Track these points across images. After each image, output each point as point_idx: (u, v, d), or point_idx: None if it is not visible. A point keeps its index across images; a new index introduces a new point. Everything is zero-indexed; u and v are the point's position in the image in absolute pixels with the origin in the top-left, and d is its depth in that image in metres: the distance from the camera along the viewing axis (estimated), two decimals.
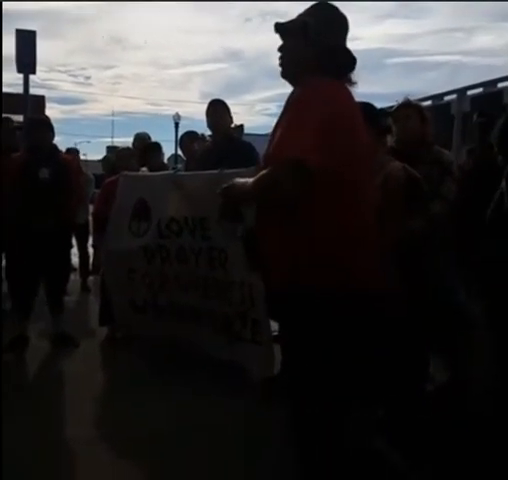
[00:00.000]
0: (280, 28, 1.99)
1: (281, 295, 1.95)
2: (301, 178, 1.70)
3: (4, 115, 5.52)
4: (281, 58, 2.00)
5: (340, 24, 1.98)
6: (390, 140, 3.03)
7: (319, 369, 1.88)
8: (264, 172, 1.78)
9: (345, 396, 1.99)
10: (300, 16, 1.98)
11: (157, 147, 5.34)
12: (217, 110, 4.31)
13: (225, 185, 2.00)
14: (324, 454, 1.95)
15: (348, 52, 1.94)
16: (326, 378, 1.89)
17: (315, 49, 1.90)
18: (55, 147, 4.55)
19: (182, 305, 4.06)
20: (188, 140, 5.01)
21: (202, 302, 3.92)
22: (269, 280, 2.03)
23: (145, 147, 5.27)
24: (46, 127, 4.44)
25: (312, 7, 1.98)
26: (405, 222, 2.60)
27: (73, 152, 7.47)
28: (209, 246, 3.83)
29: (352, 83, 1.92)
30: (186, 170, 4.56)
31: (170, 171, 4.48)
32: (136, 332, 4.42)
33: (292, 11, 2.09)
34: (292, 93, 1.94)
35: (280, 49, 2.00)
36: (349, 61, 1.94)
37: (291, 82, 2.00)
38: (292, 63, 1.98)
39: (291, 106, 1.84)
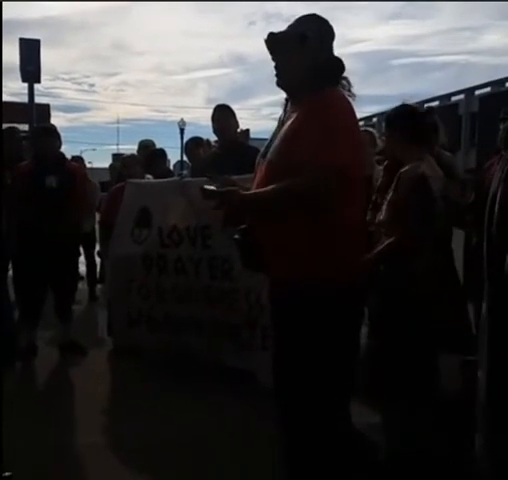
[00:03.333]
0: (276, 39, 2.05)
1: (285, 291, 1.98)
2: (340, 183, 1.85)
3: (10, 124, 5.54)
4: (277, 68, 2.07)
5: (330, 35, 2.08)
6: (442, 137, 2.93)
7: (320, 361, 1.94)
8: (301, 180, 1.85)
9: (340, 390, 2.05)
10: (294, 28, 2.05)
11: (161, 154, 5.32)
12: (222, 115, 4.28)
13: (217, 190, 1.98)
14: (318, 450, 1.98)
15: (340, 61, 2.06)
16: (326, 372, 1.94)
17: (314, 60, 2.00)
18: (62, 155, 4.55)
19: (180, 317, 4.01)
20: (193, 146, 4.98)
21: (204, 312, 3.86)
22: (273, 276, 2.06)
23: (149, 154, 5.25)
24: (52, 135, 4.44)
25: (305, 20, 2.07)
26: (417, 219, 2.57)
27: (77, 160, 7.43)
28: (210, 255, 3.79)
29: (346, 88, 2.03)
30: (192, 176, 4.52)
31: (176, 178, 4.45)
32: (131, 345, 4.36)
33: (296, 14, 2.15)
34: (295, 101, 2.04)
35: (276, 59, 2.07)
36: (341, 69, 2.06)
37: (287, 90, 2.09)
38: (291, 74, 2.05)
39: (312, 115, 1.91)
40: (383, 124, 2.87)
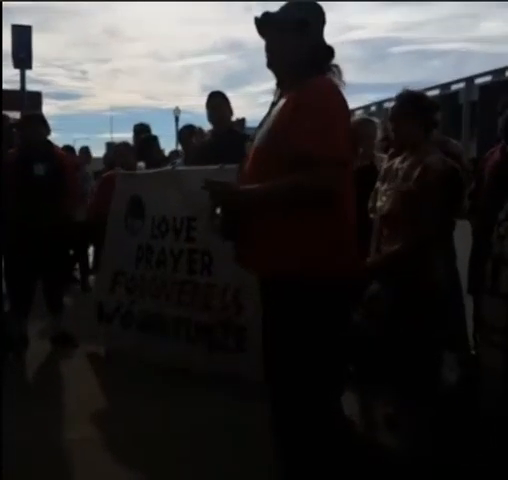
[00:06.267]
0: (273, 22, 1.99)
1: (278, 285, 1.94)
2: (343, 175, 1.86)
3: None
4: (271, 51, 2.02)
5: (324, 22, 2.06)
6: (436, 135, 2.88)
7: (313, 353, 1.91)
8: (309, 175, 1.80)
9: (333, 382, 2.08)
10: (293, 12, 2.00)
11: (152, 140, 5.24)
12: (216, 102, 4.24)
13: (218, 186, 1.92)
14: (312, 445, 1.97)
15: (330, 49, 2.02)
16: (320, 365, 1.92)
17: (311, 47, 1.97)
18: (49, 143, 4.48)
19: (152, 313, 3.94)
20: (186, 134, 4.93)
21: (176, 309, 3.80)
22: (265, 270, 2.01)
23: (140, 142, 5.18)
24: (39, 122, 4.38)
25: (304, 5, 2.03)
26: (442, 213, 2.55)
27: (69, 150, 7.28)
28: (191, 248, 3.73)
29: (336, 76, 1.98)
30: (185, 164, 4.47)
31: (168, 167, 4.39)
32: (99, 344, 4.29)
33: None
34: (285, 87, 2.00)
35: (269, 41, 2.02)
36: (331, 56, 2.02)
37: (279, 75, 2.04)
38: (287, 59, 2.00)
39: (305, 103, 1.86)
40: (392, 111, 2.73)
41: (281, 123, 1.89)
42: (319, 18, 2.03)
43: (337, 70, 1.99)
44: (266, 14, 1.99)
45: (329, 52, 2.01)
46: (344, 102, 1.94)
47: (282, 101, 1.94)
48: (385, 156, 3.34)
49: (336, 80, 1.97)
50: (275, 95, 2.06)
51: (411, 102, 2.67)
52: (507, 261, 2.17)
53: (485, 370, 2.39)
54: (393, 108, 2.73)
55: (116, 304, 4.18)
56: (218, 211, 1.94)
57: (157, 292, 3.91)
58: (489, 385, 2.36)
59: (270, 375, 2.07)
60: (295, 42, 1.97)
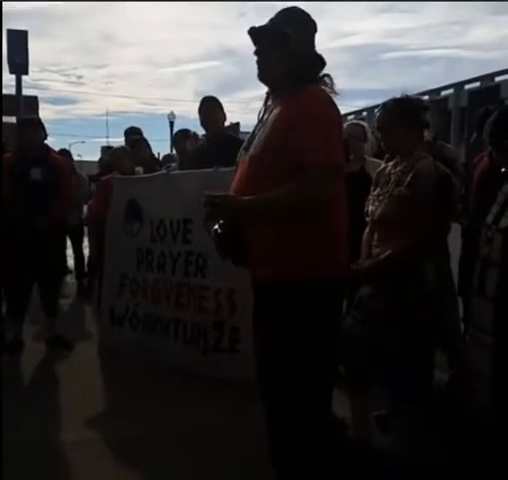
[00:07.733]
0: (258, 36, 2.03)
1: (271, 289, 1.98)
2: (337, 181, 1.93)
3: None
4: (260, 63, 2.06)
5: (313, 29, 2.07)
6: (428, 135, 2.85)
7: (305, 355, 1.94)
8: (305, 181, 1.85)
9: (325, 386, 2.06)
10: (276, 24, 2.02)
11: (140, 141, 5.33)
12: (209, 107, 4.24)
13: (218, 199, 1.93)
14: (307, 449, 1.99)
15: (321, 58, 2.04)
16: (311, 367, 1.95)
17: (297, 58, 1.98)
18: (47, 147, 4.49)
19: (155, 315, 3.98)
20: (181, 138, 4.97)
21: (174, 312, 3.83)
22: (258, 274, 2.04)
23: (131, 145, 5.25)
24: (36, 126, 4.36)
25: (287, 14, 2.04)
26: (435, 218, 2.55)
27: (65, 154, 7.31)
28: (187, 250, 3.76)
29: (328, 85, 2.01)
30: (180, 169, 4.50)
31: (163, 171, 4.43)
32: (113, 346, 4.26)
33: (287, 5, 2.09)
34: (277, 96, 2.03)
35: (257, 53, 2.05)
36: (322, 65, 2.04)
37: (269, 86, 2.08)
38: (273, 71, 2.04)
39: (299, 113, 1.89)
40: (378, 120, 2.71)
41: (278, 131, 1.92)
42: (306, 29, 2.05)
43: (329, 80, 2.02)
44: (261, 28, 2.03)
45: (319, 61, 2.03)
46: (337, 110, 1.98)
47: (276, 110, 1.98)
48: (377, 161, 3.38)
49: (328, 89, 2.00)
50: (266, 104, 2.09)
51: (397, 110, 2.64)
52: (494, 263, 2.20)
53: (472, 370, 2.42)
54: (379, 117, 2.70)
55: (125, 307, 4.21)
56: (215, 228, 1.95)
57: (158, 295, 3.95)
58: (475, 385, 2.39)
59: (262, 379, 2.09)
60: (280, 54, 1.99)
